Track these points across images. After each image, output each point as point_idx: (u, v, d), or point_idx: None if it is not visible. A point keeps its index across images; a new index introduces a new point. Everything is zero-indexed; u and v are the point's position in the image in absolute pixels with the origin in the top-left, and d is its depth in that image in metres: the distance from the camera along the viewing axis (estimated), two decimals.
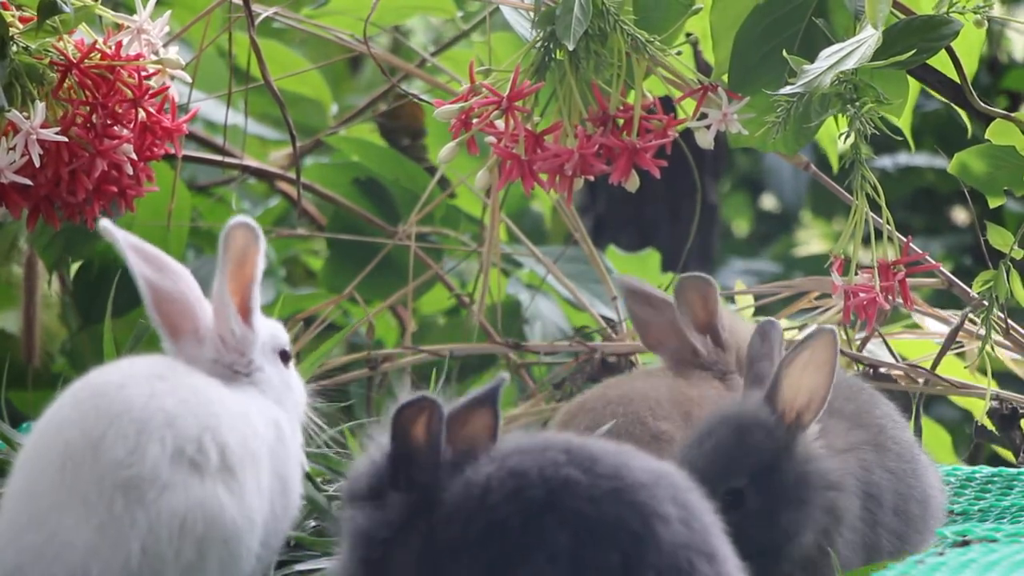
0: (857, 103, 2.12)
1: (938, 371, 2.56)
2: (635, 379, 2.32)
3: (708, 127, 2.20)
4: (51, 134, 2.14)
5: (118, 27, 2.22)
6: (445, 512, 1.64)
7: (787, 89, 2.07)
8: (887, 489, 1.97)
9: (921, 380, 2.56)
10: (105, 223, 1.81)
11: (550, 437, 1.70)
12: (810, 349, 1.89)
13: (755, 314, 2.97)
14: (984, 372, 2.43)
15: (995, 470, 2.40)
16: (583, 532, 1.60)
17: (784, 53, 2.13)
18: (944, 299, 2.87)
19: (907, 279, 2.19)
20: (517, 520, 1.61)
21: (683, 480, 1.67)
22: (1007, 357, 2.66)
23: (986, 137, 2.24)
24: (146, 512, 1.66)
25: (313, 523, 2.06)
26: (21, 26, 2.20)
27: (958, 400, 2.88)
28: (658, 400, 2.21)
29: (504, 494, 1.62)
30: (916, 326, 2.79)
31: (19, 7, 2.22)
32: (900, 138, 2.35)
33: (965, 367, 2.66)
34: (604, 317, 2.97)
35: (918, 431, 2.51)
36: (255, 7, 2.60)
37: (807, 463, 1.90)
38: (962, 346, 2.64)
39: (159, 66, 2.23)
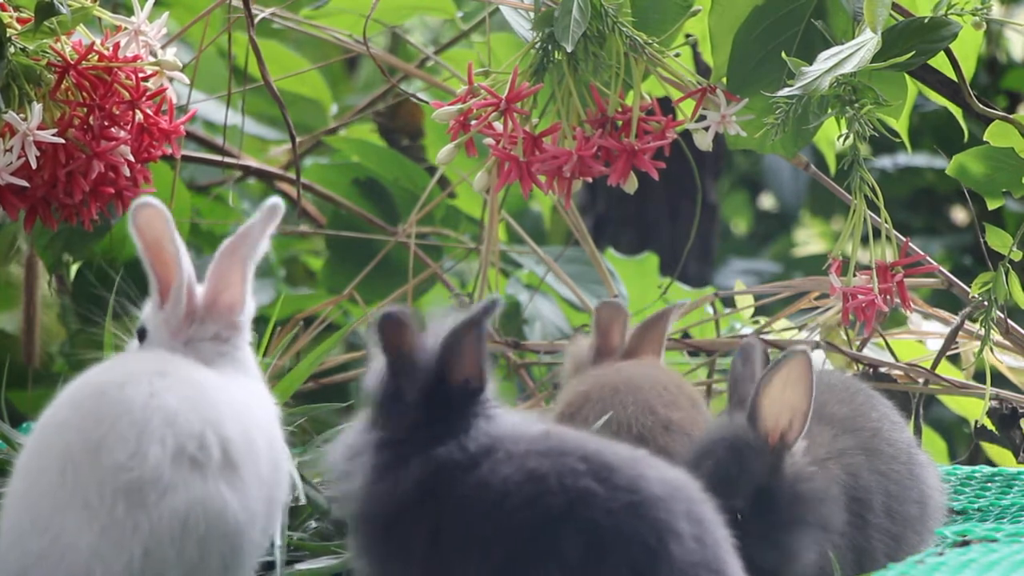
0: (856, 105, 2.12)
1: (936, 372, 2.56)
2: (632, 367, 2.29)
3: (707, 129, 2.20)
4: (48, 136, 2.13)
5: (116, 28, 2.22)
6: (459, 508, 1.65)
7: (786, 91, 2.07)
8: (877, 492, 1.97)
9: (921, 380, 2.55)
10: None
11: (563, 438, 1.70)
12: (785, 369, 1.88)
13: (755, 314, 2.97)
14: (979, 378, 2.43)
15: (994, 469, 2.40)
16: (597, 544, 1.60)
17: (783, 55, 2.13)
18: (944, 299, 2.86)
19: (907, 279, 2.19)
20: (534, 527, 1.61)
21: (697, 492, 1.67)
22: (1003, 366, 2.65)
23: (984, 139, 2.24)
24: (148, 515, 1.65)
25: (314, 524, 2.06)
26: (19, 27, 2.20)
27: (954, 406, 2.88)
28: (665, 386, 2.20)
29: (522, 499, 1.63)
30: (907, 328, 2.79)
31: (17, 8, 2.22)
32: (898, 139, 2.35)
33: (963, 370, 2.66)
34: None
35: (918, 431, 2.50)
36: (255, 7, 2.59)
37: (798, 483, 1.90)
38: (958, 348, 2.64)
39: (157, 67, 2.23)
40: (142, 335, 1.83)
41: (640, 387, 2.19)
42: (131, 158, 2.20)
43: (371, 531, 1.70)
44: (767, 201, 6.07)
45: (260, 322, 2.74)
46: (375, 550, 1.70)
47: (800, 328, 2.73)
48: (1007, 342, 2.49)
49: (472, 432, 1.69)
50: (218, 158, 3.19)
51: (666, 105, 2.24)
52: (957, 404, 2.85)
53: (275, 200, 1.81)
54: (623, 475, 1.64)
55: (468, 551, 1.63)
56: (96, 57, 2.20)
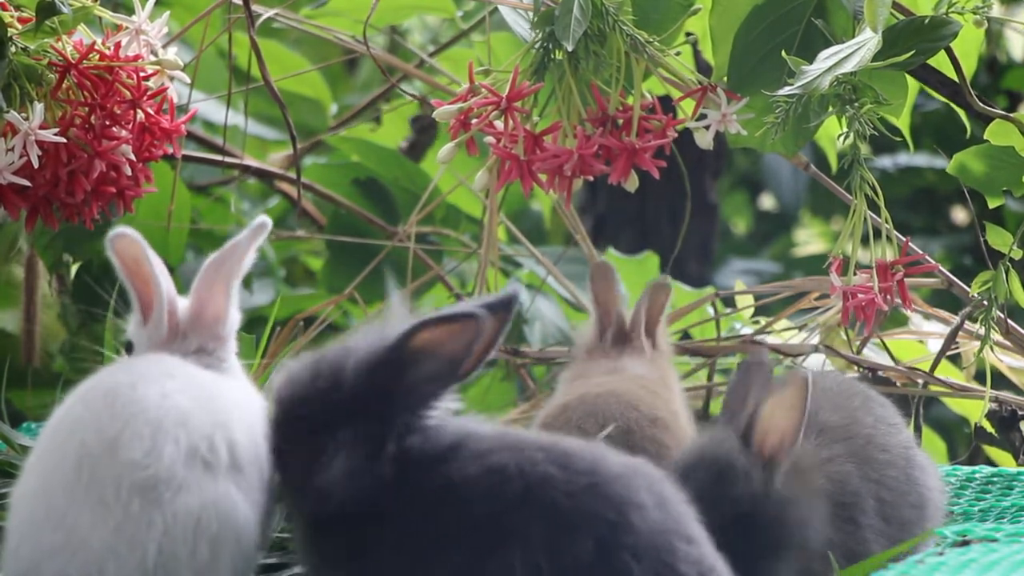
0: (856, 104, 2.12)
1: (936, 374, 2.56)
2: (611, 381, 2.30)
3: (707, 127, 2.20)
4: (49, 135, 2.13)
5: (117, 28, 2.22)
6: (422, 507, 1.67)
7: (786, 90, 2.08)
8: (869, 496, 1.96)
9: (920, 382, 2.55)
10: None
11: (525, 435, 1.74)
12: (782, 392, 1.87)
13: (755, 314, 2.97)
14: (979, 378, 2.43)
15: (995, 470, 2.40)
16: (558, 524, 1.63)
17: (783, 54, 2.13)
18: (944, 299, 2.86)
19: (907, 279, 2.19)
20: (495, 514, 1.64)
21: (657, 472, 1.70)
22: (1004, 366, 2.66)
23: (985, 138, 2.24)
24: (162, 512, 1.66)
25: None
26: (20, 27, 2.20)
27: (954, 406, 2.87)
28: (643, 397, 2.21)
29: (482, 490, 1.65)
30: (907, 328, 2.79)
31: (18, 8, 2.22)
32: (899, 138, 2.36)
33: (963, 369, 2.66)
34: None
35: (917, 431, 2.50)
36: (255, 7, 2.60)
37: (784, 507, 1.88)
38: (958, 348, 2.64)
39: (158, 67, 2.23)
40: (129, 349, 1.85)
41: (622, 393, 2.20)
42: (132, 157, 2.20)
43: (316, 504, 1.71)
44: (767, 201, 6.07)
45: (260, 322, 2.75)
46: (329, 550, 1.71)
47: (800, 328, 2.73)
48: (1007, 342, 2.49)
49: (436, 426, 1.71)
50: (218, 158, 3.19)
51: (667, 103, 2.24)
52: (957, 404, 2.85)
53: (263, 218, 1.83)
54: (581, 460, 1.67)
55: (436, 546, 1.66)
56: (97, 56, 2.20)
